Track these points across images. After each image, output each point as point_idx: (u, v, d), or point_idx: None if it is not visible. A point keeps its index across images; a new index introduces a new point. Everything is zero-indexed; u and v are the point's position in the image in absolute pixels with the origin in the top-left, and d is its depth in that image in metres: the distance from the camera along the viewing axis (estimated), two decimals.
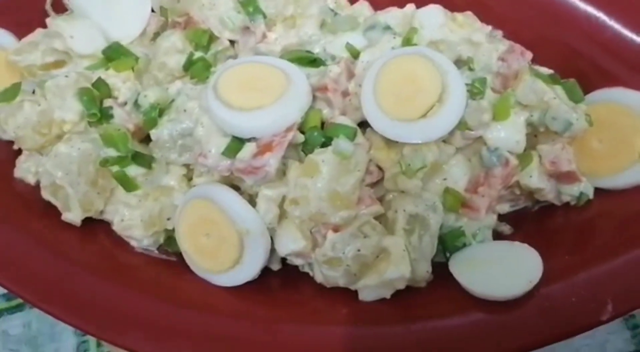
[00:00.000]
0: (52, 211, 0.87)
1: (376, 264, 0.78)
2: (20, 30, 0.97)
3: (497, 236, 0.88)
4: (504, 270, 0.78)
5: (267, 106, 0.77)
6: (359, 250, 0.77)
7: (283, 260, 0.85)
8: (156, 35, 0.92)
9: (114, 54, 0.90)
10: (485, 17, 0.91)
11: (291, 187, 0.78)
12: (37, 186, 0.89)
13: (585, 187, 0.86)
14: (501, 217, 0.89)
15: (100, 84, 0.85)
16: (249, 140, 0.78)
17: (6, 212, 0.88)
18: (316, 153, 0.78)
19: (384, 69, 0.78)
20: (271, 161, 0.75)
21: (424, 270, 0.79)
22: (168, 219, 0.85)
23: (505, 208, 0.88)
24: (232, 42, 0.91)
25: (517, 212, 0.91)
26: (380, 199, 0.83)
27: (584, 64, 0.89)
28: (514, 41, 0.90)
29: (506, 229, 0.89)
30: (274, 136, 0.76)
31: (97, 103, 0.84)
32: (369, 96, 0.77)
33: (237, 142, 0.77)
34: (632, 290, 0.75)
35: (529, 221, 0.91)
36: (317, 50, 0.88)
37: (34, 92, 0.93)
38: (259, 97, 0.78)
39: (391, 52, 0.80)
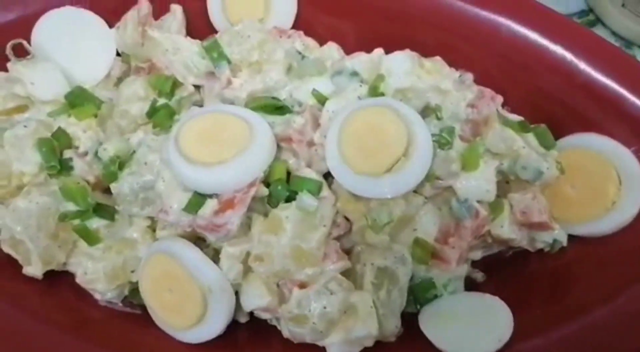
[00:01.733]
0: (12, 262, 0.85)
1: (343, 320, 0.76)
2: None
3: (470, 282, 0.86)
4: (474, 326, 0.76)
5: (228, 161, 0.75)
6: (325, 307, 0.75)
7: (251, 312, 0.82)
8: (119, 80, 0.89)
9: (76, 99, 0.88)
10: (454, 59, 0.89)
11: (255, 243, 0.76)
12: None
13: (558, 235, 0.84)
14: (474, 263, 0.88)
15: (60, 134, 0.83)
16: (210, 196, 0.75)
17: None
18: (280, 208, 0.76)
19: (348, 121, 0.76)
20: (233, 219, 0.73)
21: (393, 325, 0.77)
22: (132, 271, 0.83)
23: (478, 255, 0.86)
24: (197, 87, 0.89)
25: (490, 256, 0.89)
26: (348, 251, 0.81)
27: (556, 107, 0.88)
28: (484, 84, 0.89)
29: (479, 276, 0.88)
30: (235, 192, 0.74)
31: (56, 154, 0.82)
32: (333, 149, 0.75)
33: (199, 198, 0.75)
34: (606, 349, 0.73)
35: (502, 266, 0.89)
36: (283, 96, 0.86)
37: None
38: (221, 150, 0.76)
39: (356, 103, 0.78)
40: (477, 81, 0.90)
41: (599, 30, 1.14)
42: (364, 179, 0.74)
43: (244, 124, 0.78)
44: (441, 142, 0.78)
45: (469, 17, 0.90)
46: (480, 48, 0.89)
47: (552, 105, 0.88)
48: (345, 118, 0.76)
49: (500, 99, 0.87)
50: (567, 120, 0.87)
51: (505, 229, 0.81)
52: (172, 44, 0.87)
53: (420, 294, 0.81)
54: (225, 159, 0.75)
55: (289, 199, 0.77)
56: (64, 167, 0.82)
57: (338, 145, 0.75)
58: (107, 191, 0.85)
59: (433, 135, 0.78)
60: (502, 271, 0.88)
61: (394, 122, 0.75)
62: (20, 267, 0.84)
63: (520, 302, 0.80)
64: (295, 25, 0.95)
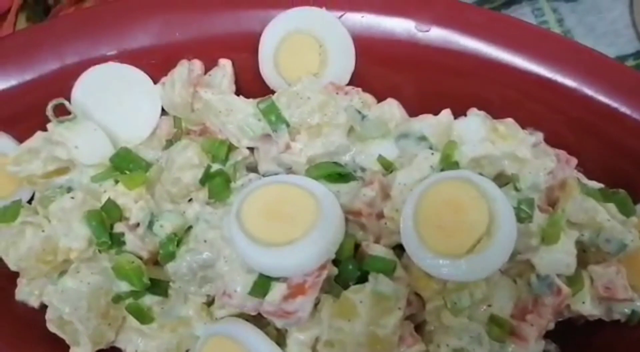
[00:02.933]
0: (58, 339, 0.79)
1: None
2: (17, 131, 0.90)
3: None
4: None
5: (297, 241, 0.69)
6: None
7: None
8: (169, 142, 0.84)
9: (122, 162, 0.83)
10: (521, 118, 0.84)
11: (325, 328, 0.71)
12: (41, 309, 0.81)
13: (638, 306, 0.79)
14: (546, 333, 0.83)
15: (110, 206, 0.77)
16: (277, 279, 0.70)
17: (9, 339, 0.80)
18: (352, 291, 0.71)
19: (424, 196, 0.71)
20: (305, 306, 0.69)
21: None
22: (187, 351, 0.77)
23: (551, 326, 0.81)
24: (251, 149, 0.83)
25: (561, 323, 0.85)
26: (419, 329, 0.76)
27: (631, 169, 0.83)
28: (553, 144, 0.84)
29: (552, 348, 0.83)
30: (306, 276, 0.69)
31: (107, 228, 0.76)
32: (409, 227, 0.70)
33: (265, 281, 0.70)
34: None
35: (575, 335, 0.84)
36: (345, 160, 0.80)
37: (32, 198, 0.87)
38: (288, 228, 0.70)
39: (432, 175, 0.73)
40: (546, 141, 0.85)
41: None
42: (444, 260, 0.69)
43: (310, 197, 0.73)
44: (521, 215, 0.73)
45: (536, 75, 0.85)
46: (550, 107, 0.84)
47: (627, 167, 0.83)
48: (422, 192, 0.71)
49: (574, 161, 0.82)
50: None
51: (587, 305, 0.76)
52: (225, 105, 0.82)
53: None
54: (294, 238, 0.70)
55: (359, 278, 0.72)
56: (115, 241, 0.76)
57: (414, 223, 0.70)
58: (157, 263, 0.80)
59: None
60: (575, 340, 0.84)
61: (473, 197, 0.70)
62: (67, 345, 0.79)
63: None
64: (351, 81, 0.89)
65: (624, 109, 0.84)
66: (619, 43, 1.11)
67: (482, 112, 0.80)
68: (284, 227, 0.71)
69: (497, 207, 0.70)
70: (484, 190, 0.70)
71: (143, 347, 0.78)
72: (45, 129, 0.86)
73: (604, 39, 1.06)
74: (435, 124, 0.79)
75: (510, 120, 0.80)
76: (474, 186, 0.71)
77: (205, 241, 0.73)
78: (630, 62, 1.11)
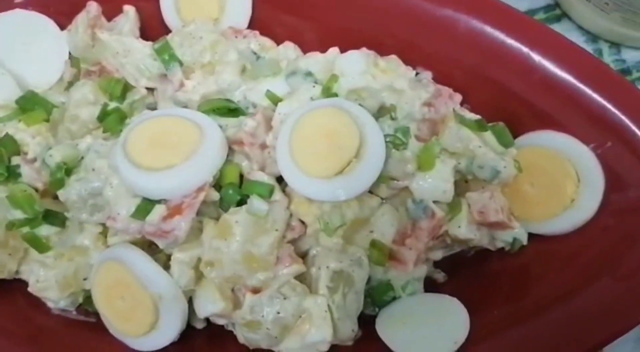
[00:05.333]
0: None
1: (298, 325, 0.75)
2: None
3: (431, 283, 0.85)
4: (430, 328, 0.75)
5: (177, 165, 0.73)
6: (278, 313, 0.74)
7: (207, 318, 0.81)
8: (70, 84, 0.87)
9: (27, 104, 0.86)
10: (413, 57, 0.88)
11: (206, 249, 0.74)
12: None
13: (518, 234, 0.83)
14: (436, 264, 0.87)
15: (7, 140, 0.80)
16: (159, 202, 0.74)
17: None
18: (230, 213, 0.74)
19: (299, 123, 0.75)
20: (181, 225, 0.72)
21: (349, 329, 0.76)
22: (84, 279, 0.81)
23: (438, 255, 0.85)
24: (150, 89, 0.87)
25: (452, 256, 0.88)
26: (304, 255, 0.80)
27: (515, 105, 0.86)
28: (443, 82, 0.88)
29: (440, 276, 0.87)
30: (184, 197, 0.73)
31: (4, 161, 0.79)
32: (284, 153, 0.74)
33: (147, 204, 0.74)
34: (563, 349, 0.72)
35: (464, 266, 0.88)
36: (237, 97, 0.84)
37: None
38: (169, 155, 0.74)
39: (307, 104, 0.77)
40: (438, 80, 0.89)
41: (565, 25, 1.13)
42: (316, 182, 0.73)
43: (194, 127, 0.76)
44: (396, 142, 0.76)
45: (427, 15, 0.88)
46: (439, 46, 0.88)
47: (511, 103, 0.87)
48: (297, 120, 0.75)
49: (458, 97, 0.86)
50: (526, 118, 0.86)
51: (463, 229, 0.79)
52: (122, 46, 0.85)
53: (378, 297, 0.80)
54: (173, 163, 0.73)
55: (241, 203, 0.76)
56: (12, 174, 0.80)
57: (289, 148, 0.74)
58: (56, 197, 0.84)
59: (388, 135, 0.77)
60: (463, 271, 0.87)
61: (345, 124, 0.74)
62: None
63: (479, 303, 0.80)
64: (252, 25, 0.93)
65: (507, 47, 0.87)
66: None
67: (366, 49, 0.83)
68: (166, 154, 0.74)
69: (366, 131, 0.73)
70: (355, 116, 0.74)
71: (44, 276, 0.80)
72: None
73: None
74: (322, 61, 0.83)
75: (393, 56, 0.84)
76: (345, 112, 0.74)
77: (93, 170, 0.77)
78: (541, 16, 1.15)
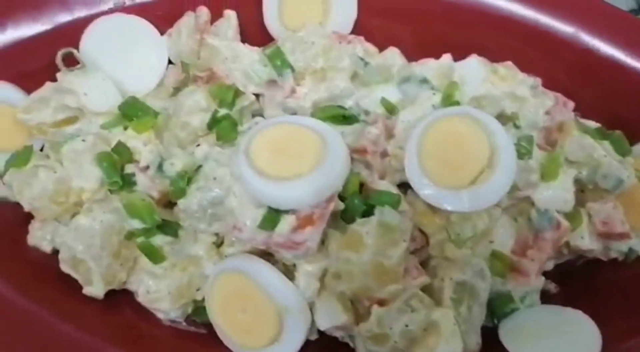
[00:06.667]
0: (70, 281, 0.81)
1: (425, 338, 0.73)
2: (26, 82, 0.91)
3: (543, 295, 0.84)
4: (560, 341, 0.74)
5: (305, 175, 0.71)
6: (406, 325, 0.72)
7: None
8: (176, 90, 0.85)
9: (130, 110, 0.84)
10: (519, 64, 0.86)
11: (333, 261, 0.73)
12: (53, 254, 0.83)
13: (635, 244, 0.82)
14: (546, 274, 0.85)
15: (120, 148, 0.79)
16: (286, 212, 0.72)
17: (21, 283, 0.82)
18: (359, 224, 0.73)
19: (427, 131, 0.73)
20: (313, 236, 0.70)
21: (474, 341, 0.75)
22: (197, 289, 0.79)
23: (550, 265, 0.84)
24: (256, 95, 0.85)
25: (559, 266, 0.87)
26: (423, 264, 0.78)
27: (628, 112, 0.85)
28: (551, 88, 0.86)
29: (552, 287, 0.85)
30: (314, 208, 0.71)
31: (118, 169, 0.78)
32: (412, 161, 0.73)
33: (274, 214, 0.72)
34: None
35: (574, 276, 0.87)
36: (349, 104, 0.83)
37: (42, 149, 0.88)
38: (295, 164, 0.72)
39: (434, 112, 0.75)
40: (544, 86, 0.87)
41: None
42: (447, 191, 0.72)
43: (315, 135, 0.75)
44: (521, 151, 0.75)
45: (534, 22, 0.87)
46: (547, 53, 0.86)
47: (623, 111, 0.85)
48: (425, 128, 0.73)
49: (572, 104, 0.84)
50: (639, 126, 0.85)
51: (586, 240, 0.78)
52: (231, 52, 0.83)
53: (498, 308, 0.78)
54: (301, 173, 0.72)
55: (364, 214, 0.74)
56: (126, 182, 0.78)
57: (418, 157, 0.72)
58: (167, 205, 0.82)
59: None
60: (575, 281, 0.86)
61: (475, 132, 0.73)
62: (79, 286, 0.80)
63: (599, 315, 0.78)
64: (354, 31, 0.91)
65: (621, 55, 0.86)
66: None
67: (481, 57, 0.82)
68: (291, 162, 0.73)
69: (497, 140, 0.72)
70: (484, 124, 0.73)
71: (155, 287, 0.79)
72: (54, 81, 0.87)
73: None
74: (437, 68, 0.82)
75: (509, 63, 0.83)
76: (474, 120, 0.73)
77: (214, 178, 0.75)
78: None
